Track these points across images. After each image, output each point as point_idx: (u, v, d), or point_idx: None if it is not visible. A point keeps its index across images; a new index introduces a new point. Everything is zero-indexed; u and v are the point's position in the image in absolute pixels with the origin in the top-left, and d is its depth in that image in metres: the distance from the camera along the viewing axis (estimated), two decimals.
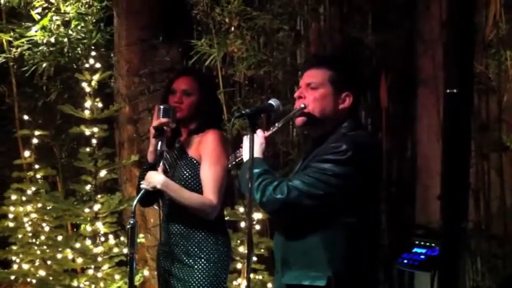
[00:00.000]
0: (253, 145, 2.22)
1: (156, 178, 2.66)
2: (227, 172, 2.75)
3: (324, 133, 2.26)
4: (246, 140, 2.31)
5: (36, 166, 4.89)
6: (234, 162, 2.43)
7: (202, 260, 2.72)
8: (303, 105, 2.25)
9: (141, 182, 2.71)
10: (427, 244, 3.88)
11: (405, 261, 3.85)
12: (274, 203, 2.15)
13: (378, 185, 2.30)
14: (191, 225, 2.74)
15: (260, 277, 4.26)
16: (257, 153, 2.27)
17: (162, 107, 2.74)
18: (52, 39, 4.71)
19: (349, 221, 2.16)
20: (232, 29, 4.71)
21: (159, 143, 2.71)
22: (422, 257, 3.86)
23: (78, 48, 4.80)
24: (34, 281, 4.46)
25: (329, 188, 2.12)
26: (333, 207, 2.15)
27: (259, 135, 2.32)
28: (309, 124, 2.27)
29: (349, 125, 2.24)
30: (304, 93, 2.26)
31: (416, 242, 3.94)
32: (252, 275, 2.36)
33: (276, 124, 2.36)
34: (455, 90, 3.55)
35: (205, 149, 2.73)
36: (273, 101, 2.35)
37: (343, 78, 2.27)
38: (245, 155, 2.30)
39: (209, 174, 2.70)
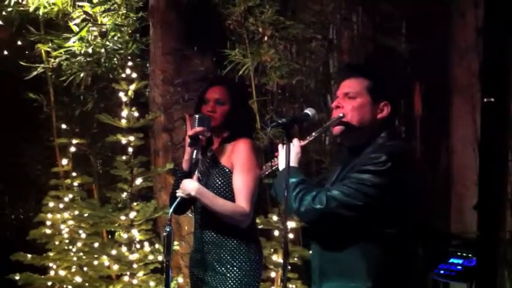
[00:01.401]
0: (289, 154, 2.23)
1: (190, 185, 2.69)
2: (259, 180, 2.77)
3: (360, 143, 2.26)
4: (281, 149, 2.31)
5: (73, 174, 4.97)
6: (269, 171, 2.44)
7: (235, 268, 2.74)
8: (341, 115, 2.25)
9: (176, 190, 2.74)
10: (464, 254, 3.83)
11: (441, 271, 3.80)
12: (312, 212, 2.15)
13: (416, 195, 2.27)
14: (224, 233, 2.76)
15: (293, 286, 4.25)
16: (293, 162, 2.27)
17: (197, 116, 2.77)
18: (89, 50, 4.79)
19: (388, 232, 2.14)
20: (265, 38, 4.73)
21: (195, 151, 2.74)
22: (459, 267, 3.81)
23: (115, 59, 4.87)
24: (70, 287, 4.52)
25: (368, 198, 2.11)
26: (372, 217, 2.14)
27: (296, 145, 2.32)
28: (346, 133, 2.26)
29: (386, 135, 2.23)
30: (342, 102, 2.27)
31: (453, 253, 3.89)
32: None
33: (313, 133, 2.36)
34: (492, 99, 3.51)
35: (237, 157, 2.75)
36: (308, 111, 2.36)
37: (381, 88, 2.27)
38: (281, 164, 2.30)
39: (241, 183, 2.72)
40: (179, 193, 2.71)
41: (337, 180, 2.26)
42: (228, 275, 2.73)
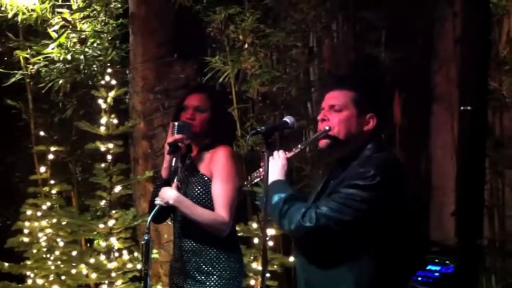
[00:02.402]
0: (270, 163, 2.21)
1: (169, 194, 2.68)
2: (239, 188, 2.76)
3: (347, 155, 2.22)
4: (272, 161, 2.28)
5: (52, 181, 4.93)
6: (253, 182, 2.41)
7: (215, 277, 2.72)
8: (327, 128, 2.21)
9: (155, 198, 2.72)
10: (442, 261, 3.85)
11: (419, 278, 3.81)
12: (303, 231, 2.12)
13: (405, 208, 2.24)
14: (203, 241, 2.74)
15: None
16: (280, 175, 2.23)
17: (176, 123, 2.76)
18: (68, 57, 4.78)
19: (377, 246, 2.13)
20: (246, 46, 4.75)
21: (174, 159, 2.73)
22: (436, 274, 3.83)
23: (94, 65, 4.86)
24: None
25: (357, 213, 2.08)
26: (362, 231, 2.11)
27: (281, 157, 2.30)
28: (332, 147, 2.22)
29: (373, 146, 2.20)
30: (328, 115, 2.22)
31: (431, 259, 3.91)
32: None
33: (299, 146, 2.33)
34: (469, 107, 3.55)
35: (216, 166, 2.74)
36: (287, 118, 2.35)
37: (367, 100, 2.23)
38: (271, 176, 2.25)
39: (220, 192, 2.70)
40: (158, 201, 2.69)
41: (323, 193, 2.23)
42: (208, 283, 2.71)
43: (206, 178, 2.76)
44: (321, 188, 2.27)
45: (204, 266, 2.73)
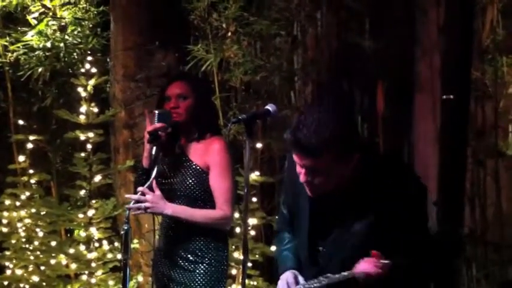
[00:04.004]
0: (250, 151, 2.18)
1: (163, 208, 2.66)
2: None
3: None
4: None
5: (31, 171, 4.85)
6: None
7: (204, 265, 2.72)
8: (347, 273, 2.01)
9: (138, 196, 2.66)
10: None
11: None
12: None
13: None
14: (192, 231, 2.73)
15: (255, 283, 4.24)
16: None
17: (157, 111, 2.73)
18: (48, 44, 4.70)
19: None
20: (229, 34, 4.71)
21: (154, 148, 2.70)
22: None
23: (74, 53, 4.80)
24: (27, 286, 4.41)
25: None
26: None
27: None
28: (326, 194, 2.05)
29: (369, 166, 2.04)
30: (311, 177, 2.01)
31: None
32: (246, 281, 2.32)
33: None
34: (452, 96, 3.55)
35: (213, 159, 2.71)
36: (269, 107, 2.32)
37: (345, 152, 1.99)
38: None
39: (222, 186, 2.70)
40: (145, 205, 2.64)
41: (318, 216, 2.07)
42: (197, 271, 2.72)
43: (200, 169, 2.73)
44: (310, 207, 2.09)
45: (193, 254, 2.73)
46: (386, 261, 1.97)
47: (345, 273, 2.01)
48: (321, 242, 2.08)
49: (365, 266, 1.98)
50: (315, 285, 2.06)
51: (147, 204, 2.63)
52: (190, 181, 2.72)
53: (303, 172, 2.01)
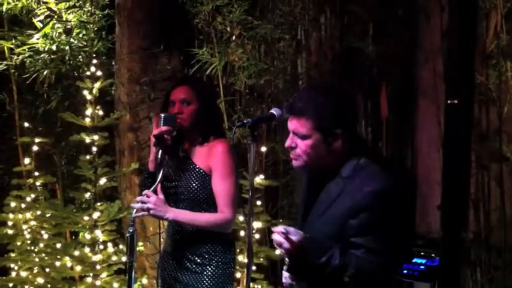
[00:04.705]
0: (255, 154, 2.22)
1: (164, 212, 2.67)
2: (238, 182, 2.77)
3: (329, 168, 2.18)
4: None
5: (36, 173, 4.87)
6: None
7: (212, 267, 2.74)
8: None
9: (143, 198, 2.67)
10: (427, 254, 3.86)
11: (405, 271, 3.83)
12: None
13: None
14: (199, 234, 2.75)
15: (259, 286, 4.24)
16: None
17: (162, 115, 2.75)
18: (53, 47, 4.71)
19: None
20: (234, 38, 4.72)
21: (160, 151, 2.71)
22: (422, 267, 3.85)
23: (80, 56, 4.80)
24: None
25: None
26: None
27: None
28: (307, 168, 2.20)
29: (355, 156, 2.17)
30: (296, 141, 2.17)
31: (416, 252, 3.93)
32: (251, 284, 2.34)
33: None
34: (456, 101, 3.55)
35: (216, 161, 2.72)
36: (274, 111, 2.34)
37: (329, 121, 2.13)
38: None
39: (223, 189, 2.71)
40: (150, 211, 2.66)
41: (310, 204, 2.21)
42: (205, 273, 2.73)
43: (203, 172, 2.74)
44: (307, 196, 2.26)
45: (200, 256, 2.74)
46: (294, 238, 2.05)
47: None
48: (304, 228, 2.19)
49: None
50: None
51: (149, 205, 2.65)
52: (194, 185, 2.74)
53: (291, 136, 2.17)
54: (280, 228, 2.07)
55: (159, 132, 2.71)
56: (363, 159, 2.17)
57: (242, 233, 4.17)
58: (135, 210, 2.67)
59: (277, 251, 3.82)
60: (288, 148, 2.20)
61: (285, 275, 2.21)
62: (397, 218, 2.12)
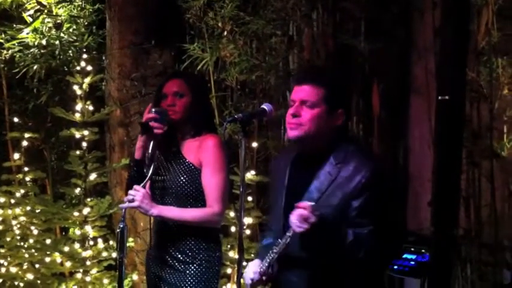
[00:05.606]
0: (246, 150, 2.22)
1: (149, 207, 2.63)
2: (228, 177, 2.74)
3: (319, 150, 2.24)
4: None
5: (26, 169, 4.84)
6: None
7: (195, 266, 2.70)
8: None
9: (133, 197, 2.65)
10: (418, 250, 3.88)
11: (395, 267, 3.84)
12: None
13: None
14: (183, 230, 2.71)
15: None
16: None
17: (154, 109, 2.72)
18: (43, 42, 4.68)
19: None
20: (225, 33, 4.70)
21: (151, 145, 2.68)
22: (412, 263, 3.86)
23: (70, 51, 4.77)
24: (22, 284, 4.40)
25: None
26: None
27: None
28: (303, 140, 2.24)
29: (349, 140, 2.29)
30: (300, 111, 2.22)
31: (407, 248, 3.94)
32: (242, 280, 2.33)
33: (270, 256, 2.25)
34: (447, 97, 3.56)
35: (206, 155, 2.69)
36: (265, 106, 2.34)
37: (338, 97, 2.25)
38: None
39: (213, 183, 2.68)
40: (134, 203, 2.63)
41: (292, 188, 2.26)
42: (188, 272, 2.70)
43: (193, 167, 2.71)
44: (288, 182, 2.29)
45: (183, 255, 2.71)
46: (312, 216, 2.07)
47: (288, 234, 2.14)
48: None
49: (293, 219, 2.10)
50: (269, 258, 2.23)
51: (136, 197, 2.62)
52: (182, 178, 2.71)
53: (294, 106, 2.22)
54: (308, 203, 2.10)
55: (146, 119, 2.68)
56: (352, 146, 2.25)
57: (233, 229, 4.16)
58: (125, 206, 2.64)
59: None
60: (289, 116, 2.23)
61: (250, 275, 2.27)
62: (393, 197, 2.23)
